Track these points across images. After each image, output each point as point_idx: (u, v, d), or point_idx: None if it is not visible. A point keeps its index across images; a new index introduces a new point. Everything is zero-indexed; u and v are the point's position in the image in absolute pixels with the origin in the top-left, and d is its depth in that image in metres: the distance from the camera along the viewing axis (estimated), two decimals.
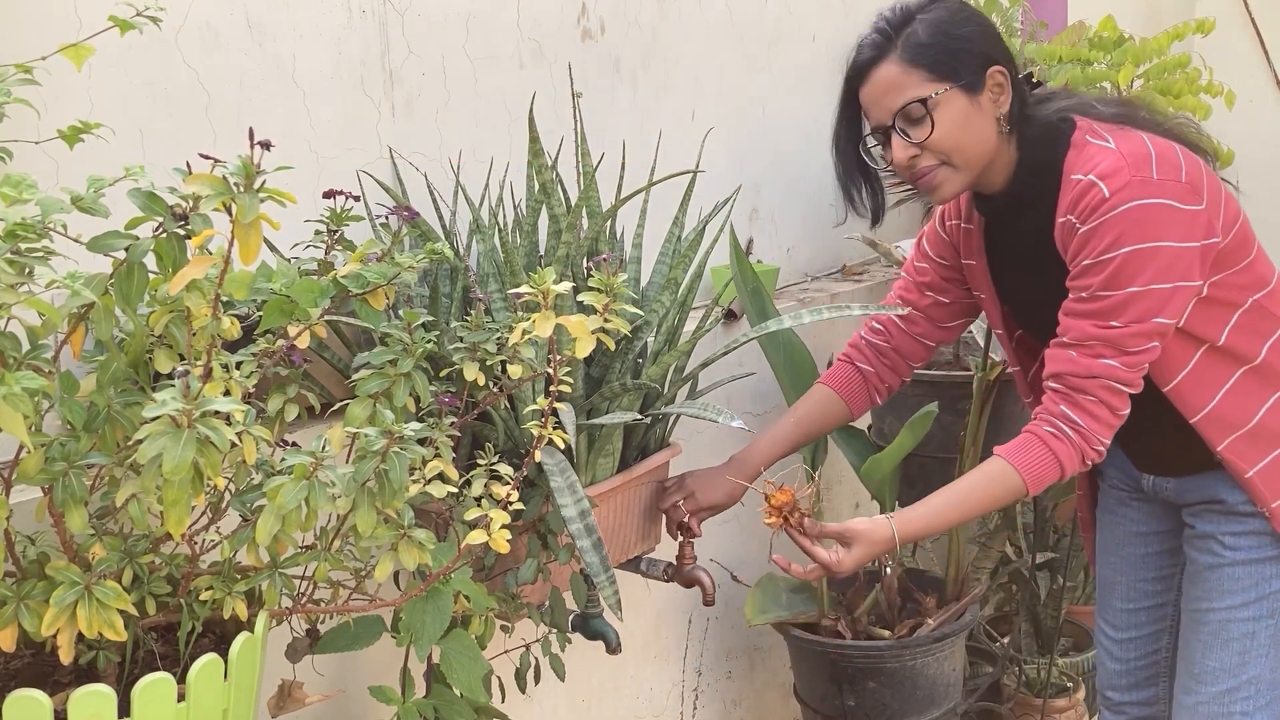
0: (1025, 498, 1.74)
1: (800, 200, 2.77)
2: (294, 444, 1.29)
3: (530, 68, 2.10)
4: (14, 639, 1.18)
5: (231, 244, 1.15)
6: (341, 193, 1.37)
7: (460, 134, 2.01)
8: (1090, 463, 1.70)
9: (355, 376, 1.35)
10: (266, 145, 1.14)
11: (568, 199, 1.89)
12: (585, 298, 1.44)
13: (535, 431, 1.46)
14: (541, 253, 1.89)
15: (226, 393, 1.21)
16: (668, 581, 1.95)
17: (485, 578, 1.72)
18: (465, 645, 1.59)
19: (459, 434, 1.49)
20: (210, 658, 1.20)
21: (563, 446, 1.51)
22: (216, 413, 1.10)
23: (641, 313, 1.76)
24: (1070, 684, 2.85)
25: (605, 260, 1.46)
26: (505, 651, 1.85)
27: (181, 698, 1.18)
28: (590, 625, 1.91)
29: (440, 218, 1.91)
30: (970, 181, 1.72)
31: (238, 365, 1.27)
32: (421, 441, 1.30)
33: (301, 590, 1.38)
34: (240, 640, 1.25)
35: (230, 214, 1.13)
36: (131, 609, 1.20)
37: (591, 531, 1.61)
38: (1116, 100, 1.94)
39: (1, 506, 1.12)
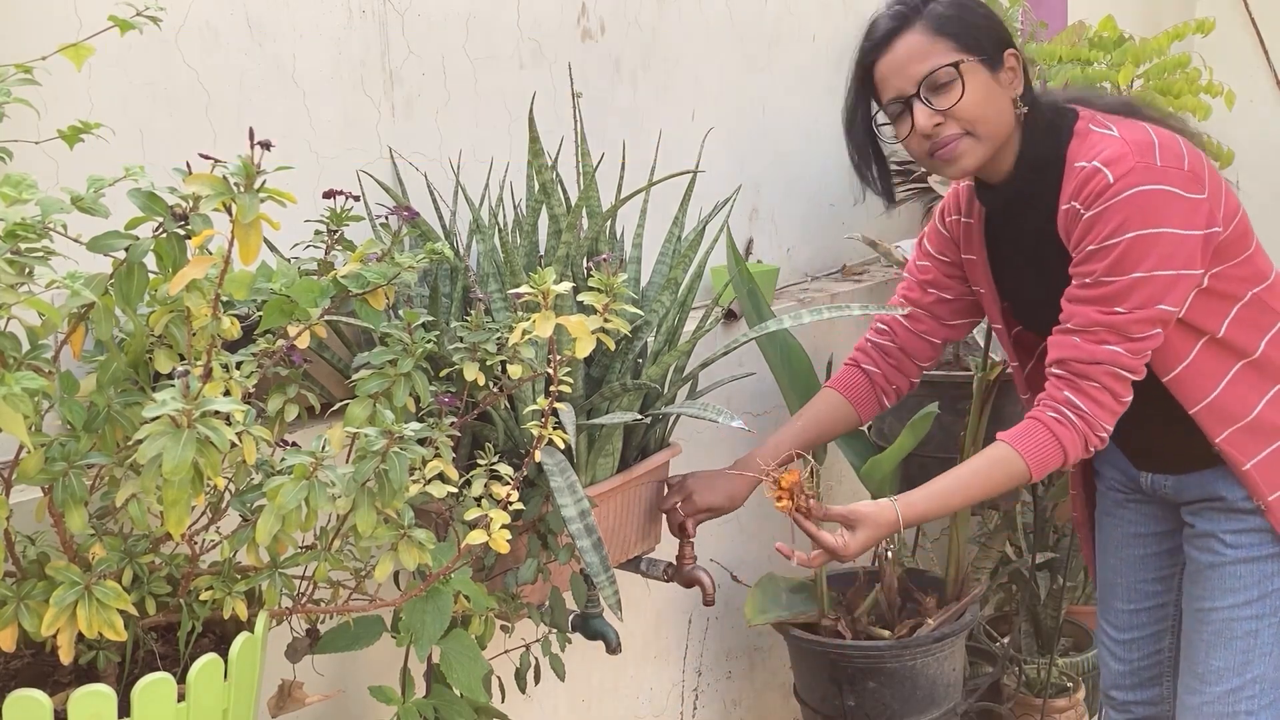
0: (1028, 482, 1.74)
1: (800, 200, 2.77)
2: (294, 444, 1.29)
3: (530, 68, 2.10)
4: (14, 639, 1.18)
5: (231, 244, 1.15)
6: (341, 193, 1.37)
7: (460, 134, 2.01)
8: (1093, 449, 1.71)
9: (355, 376, 1.35)
10: (266, 145, 1.14)
11: (568, 199, 1.89)
12: (585, 298, 1.44)
13: (535, 431, 1.46)
14: (541, 253, 1.89)
15: (226, 393, 1.21)
16: (668, 581, 1.95)
17: (485, 578, 1.72)
18: (465, 645, 1.59)
19: (459, 434, 1.49)
20: (210, 658, 1.20)
21: (563, 446, 1.51)
22: (216, 413, 1.10)
23: (641, 313, 1.76)
24: (1070, 684, 2.85)
25: (605, 260, 1.46)
26: (505, 651, 1.85)
27: (181, 698, 1.18)
28: (590, 625, 1.91)
29: (440, 218, 1.91)
30: (989, 155, 1.72)
31: (238, 365, 1.27)
32: (421, 441, 1.30)
33: (301, 590, 1.38)
34: (240, 640, 1.25)
35: (230, 214, 1.13)
36: (131, 609, 1.20)
37: (591, 531, 1.61)
38: (1117, 97, 1.95)
39: (1, 506, 1.12)
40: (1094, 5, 3.11)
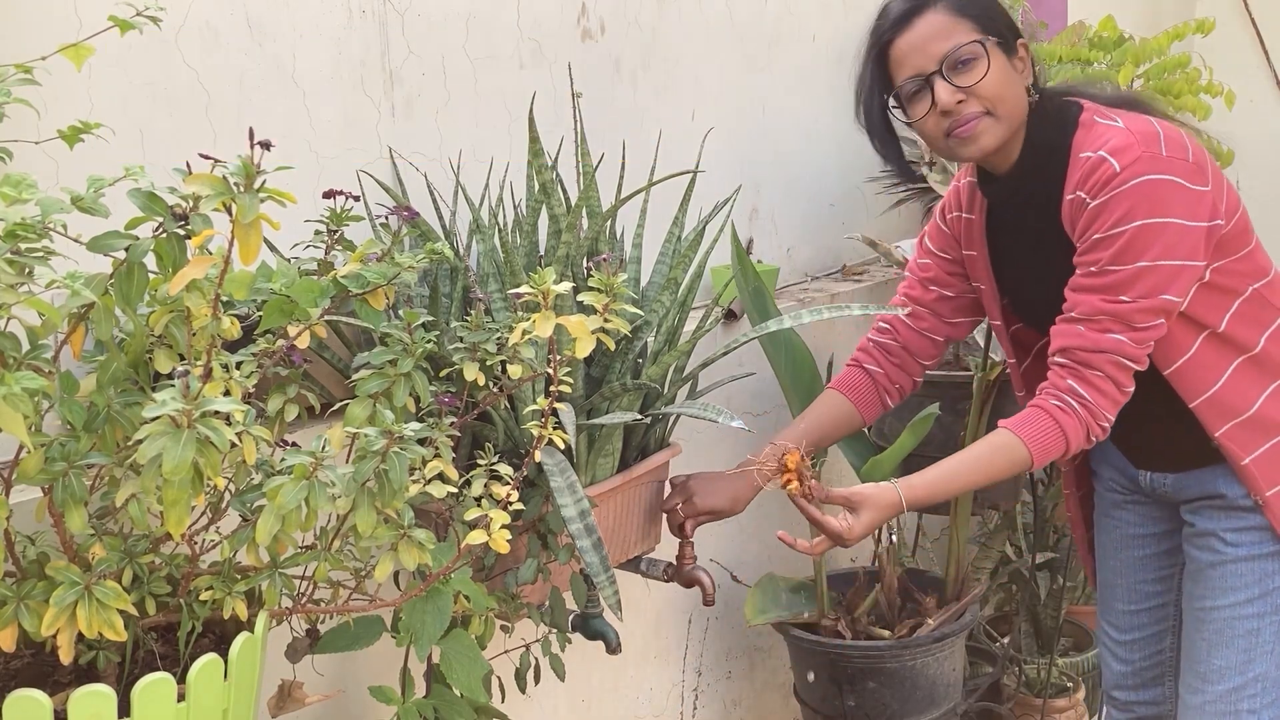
0: (1030, 469, 1.73)
1: (800, 200, 2.77)
2: (294, 444, 1.29)
3: (530, 68, 2.10)
4: (14, 639, 1.18)
5: (231, 244, 1.15)
6: (341, 193, 1.37)
7: (460, 134, 2.01)
8: (1095, 439, 1.70)
9: (355, 376, 1.35)
10: (266, 145, 1.14)
11: (568, 199, 1.89)
12: (585, 298, 1.44)
13: (535, 431, 1.46)
14: (541, 253, 1.89)
15: (226, 393, 1.21)
16: (668, 581, 1.95)
17: (485, 578, 1.72)
18: (465, 645, 1.59)
19: (459, 434, 1.49)
20: (210, 658, 1.20)
21: (563, 446, 1.51)
22: (216, 413, 1.10)
23: (641, 313, 1.76)
24: (1070, 684, 2.85)
25: (605, 260, 1.46)
26: (505, 651, 1.85)
27: (181, 698, 1.18)
28: (590, 625, 1.91)
29: (440, 218, 1.91)
30: (1005, 138, 1.72)
31: (238, 365, 1.27)
32: (421, 441, 1.30)
33: (301, 590, 1.38)
34: (240, 640, 1.25)
35: (230, 214, 1.13)
36: (131, 609, 1.20)
37: (591, 531, 1.61)
38: (1118, 92, 1.96)
39: (1, 506, 1.12)
40: (1094, 5, 3.11)
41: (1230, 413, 1.74)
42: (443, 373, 1.51)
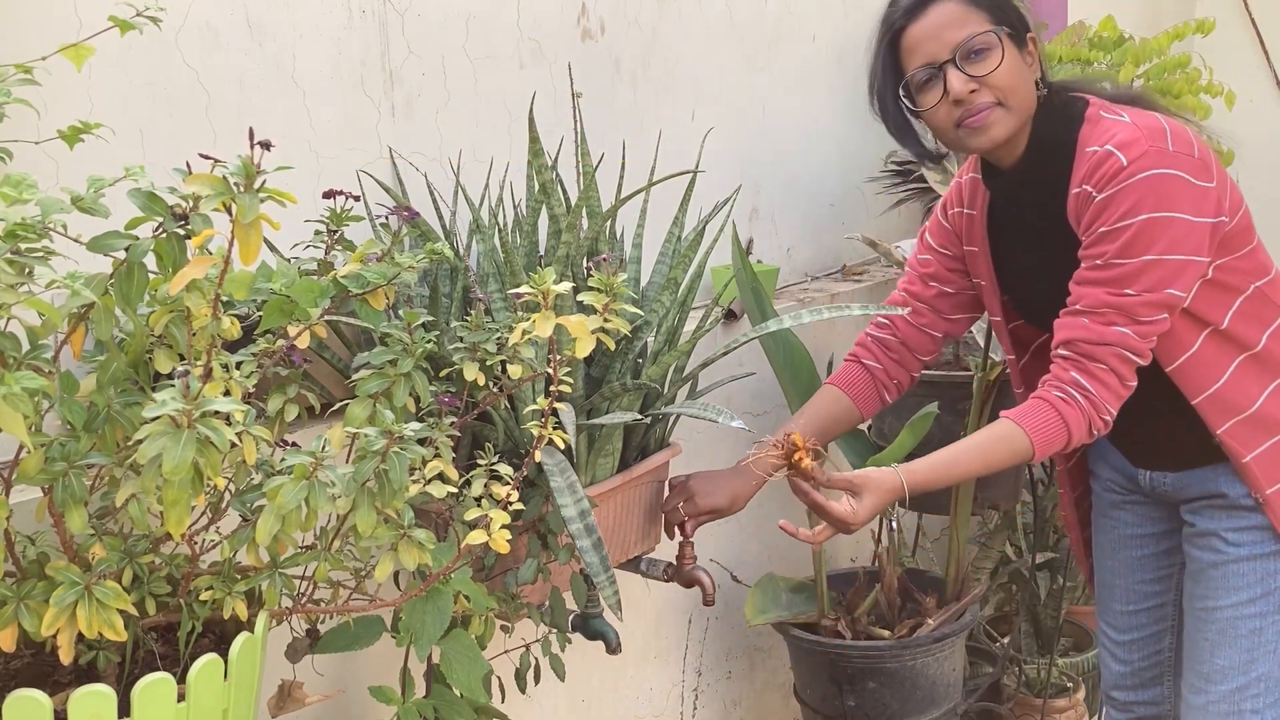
0: (1030, 460, 1.73)
1: (800, 200, 2.77)
2: (294, 444, 1.29)
3: (530, 68, 2.10)
4: (14, 639, 1.18)
5: (231, 244, 1.15)
6: (341, 193, 1.37)
7: (460, 134, 2.01)
8: (1097, 432, 1.70)
9: (355, 376, 1.35)
10: (266, 145, 1.14)
11: (568, 199, 1.89)
12: (585, 298, 1.44)
13: (535, 431, 1.46)
14: (541, 253, 1.89)
15: (226, 393, 1.21)
16: (668, 581, 1.95)
17: (485, 578, 1.72)
18: (465, 645, 1.59)
19: (459, 434, 1.49)
20: (210, 658, 1.20)
21: (563, 446, 1.51)
22: (216, 413, 1.10)
23: (641, 313, 1.76)
24: (1070, 684, 2.85)
25: (605, 260, 1.46)
26: (505, 651, 1.85)
27: (181, 698, 1.18)
28: (590, 625, 1.91)
29: (440, 218, 1.91)
30: (1015, 130, 1.72)
31: (238, 365, 1.27)
32: (421, 441, 1.30)
33: (301, 590, 1.38)
34: (240, 640, 1.25)
35: (230, 214, 1.13)
36: (131, 609, 1.20)
37: (591, 531, 1.61)
38: (1122, 89, 1.96)
39: (1, 506, 1.12)
40: (1094, 5, 3.11)
41: (1232, 410, 1.74)
42: (443, 373, 1.51)
